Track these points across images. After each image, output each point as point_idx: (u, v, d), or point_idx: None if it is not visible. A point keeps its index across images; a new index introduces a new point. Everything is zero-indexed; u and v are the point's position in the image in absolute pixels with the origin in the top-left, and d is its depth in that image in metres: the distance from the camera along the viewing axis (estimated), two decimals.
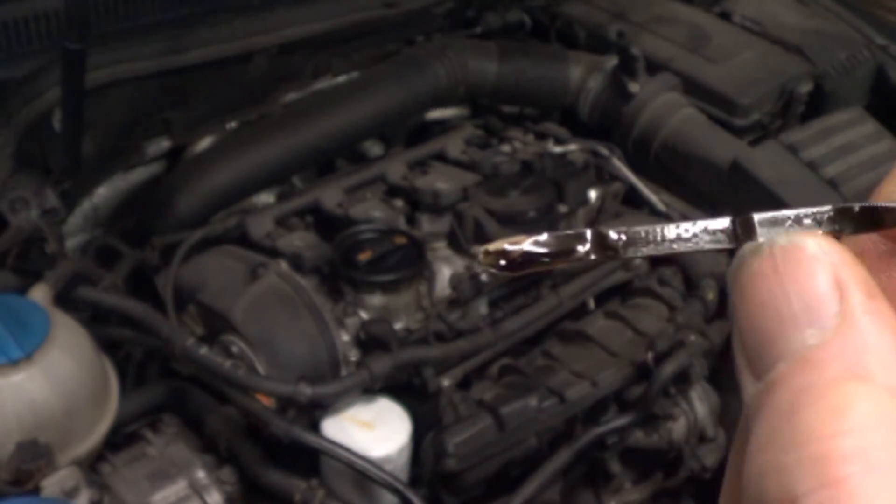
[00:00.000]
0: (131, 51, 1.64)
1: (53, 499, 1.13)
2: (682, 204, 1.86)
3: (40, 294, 1.27)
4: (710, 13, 2.23)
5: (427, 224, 1.64)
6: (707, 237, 0.48)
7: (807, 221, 0.47)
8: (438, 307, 1.49)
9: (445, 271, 1.58)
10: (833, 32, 2.21)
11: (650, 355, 1.50)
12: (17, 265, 1.40)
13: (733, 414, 1.61)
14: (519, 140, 1.87)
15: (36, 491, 1.13)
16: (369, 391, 1.37)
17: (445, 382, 1.43)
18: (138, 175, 1.78)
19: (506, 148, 1.85)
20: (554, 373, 1.49)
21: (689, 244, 0.48)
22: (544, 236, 0.49)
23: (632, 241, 0.48)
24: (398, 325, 1.47)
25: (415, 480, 1.38)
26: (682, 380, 1.51)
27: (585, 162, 1.81)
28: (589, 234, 0.48)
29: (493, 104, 2.02)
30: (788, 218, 0.47)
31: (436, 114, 2.00)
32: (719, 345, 1.65)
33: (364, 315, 1.45)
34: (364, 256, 1.48)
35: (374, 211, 1.60)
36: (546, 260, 0.49)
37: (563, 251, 0.49)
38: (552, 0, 2.24)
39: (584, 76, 1.98)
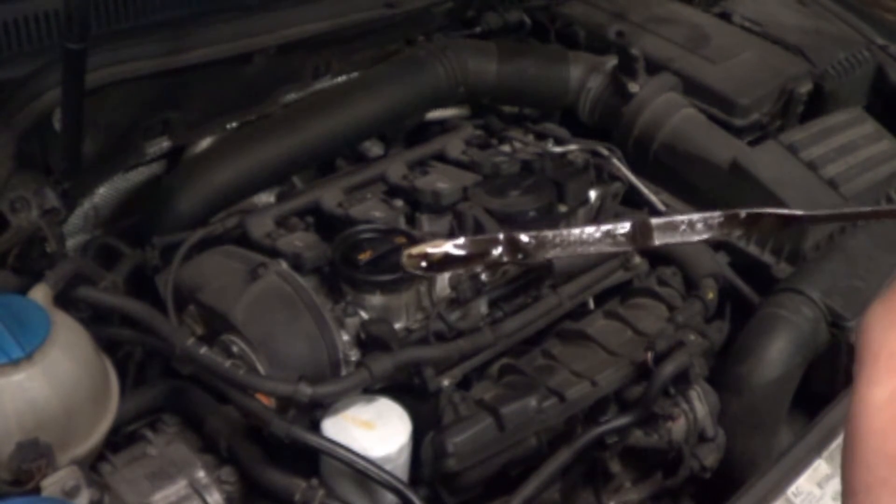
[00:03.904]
0: (131, 51, 1.63)
1: (53, 499, 1.13)
2: (682, 204, 1.87)
3: (40, 294, 1.27)
4: (710, 13, 2.23)
5: (427, 224, 1.64)
6: (609, 240, 0.50)
7: (699, 226, 0.49)
8: (438, 307, 1.49)
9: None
10: (833, 32, 2.21)
11: (650, 355, 1.50)
12: (17, 265, 1.40)
13: (733, 414, 1.61)
14: (519, 140, 1.87)
15: (36, 491, 1.13)
16: (369, 391, 1.37)
17: (445, 382, 1.43)
18: (138, 175, 1.78)
19: (506, 148, 1.85)
20: (554, 373, 1.49)
21: (593, 246, 0.49)
22: (462, 240, 0.52)
23: (541, 244, 0.50)
24: (398, 325, 1.47)
25: (415, 480, 1.38)
26: (682, 380, 1.51)
27: (585, 162, 1.81)
28: (502, 237, 0.50)
29: (493, 104, 2.02)
30: (683, 223, 0.49)
31: (436, 114, 2.00)
32: (719, 345, 1.65)
33: (364, 315, 1.45)
34: (364, 256, 1.48)
35: (374, 211, 1.60)
36: (464, 261, 0.52)
37: (479, 253, 0.51)
38: (552, 0, 2.24)
39: (584, 76, 1.98)
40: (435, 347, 1.43)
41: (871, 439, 0.45)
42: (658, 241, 0.49)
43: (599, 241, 0.49)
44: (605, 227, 0.49)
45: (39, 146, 1.55)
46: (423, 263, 0.51)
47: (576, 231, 0.49)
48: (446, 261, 0.51)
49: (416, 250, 0.51)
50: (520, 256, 0.50)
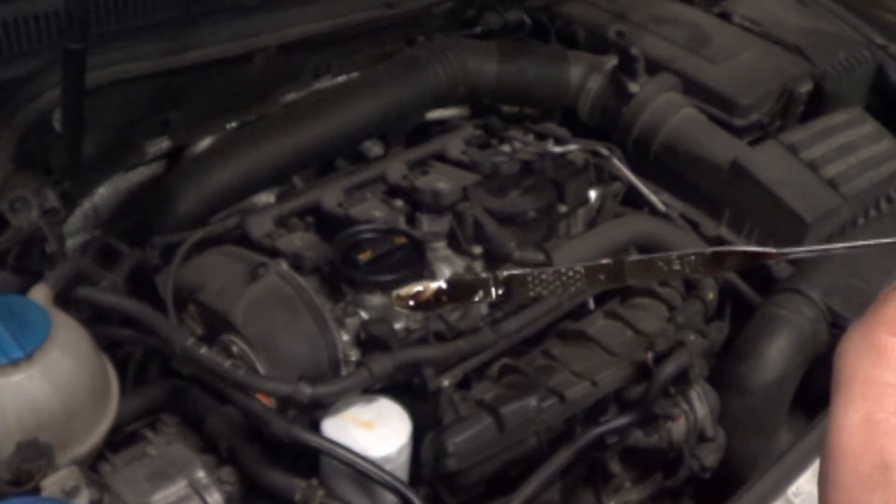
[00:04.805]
0: (131, 51, 1.63)
1: (53, 499, 1.13)
2: (682, 204, 1.87)
3: (40, 294, 1.27)
4: (710, 13, 2.23)
5: (427, 224, 1.64)
6: (589, 279, 0.51)
7: (676, 266, 0.50)
8: None
9: (445, 271, 1.58)
10: (833, 32, 2.21)
11: (650, 355, 1.50)
12: (17, 265, 1.40)
13: (733, 414, 1.61)
14: (519, 140, 1.87)
15: (36, 491, 1.13)
16: (369, 391, 1.37)
17: (445, 382, 1.43)
18: (138, 175, 1.78)
19: (506, 148, 1.85)
20: (554, 373, 1.49)
21: (574, 286, 0.51)
22: (450, 279, 0.53)
23: (522, 283, 0.51)
24: (398, 325, 1.47)
25: (415, 480, 1.38)
26: (682, 380, 1.51)
27: (585, 162, 1.81)
28: (488, 276, 0.51)
29: (493, 104, 2.02)
30: (659, 260, 0.50)
31: (436, 114, 1.99)
32: (719, 345, 1.65)
33: (364, 315, 1.45)
34: (364, 256, 1.48)
35: (374, 211, 1.60)
36: (452, 300, 0.53)
37: (466, 293, 0.52)
38: (552, 0, 2.24)
39: (584, 76, 1.98)
40: (435, 347, 1.43)
41: (846, 460, 0.46)
42: (633, 280, 0.52)
43: (580, 280, 0.51)
44: (584, 265, 0.51)
45: (39, 146, 1.55)
46: (412, 303, 0.53)
47: (559, 271, 0.52)
48: (435, 300, 0.54)
49: (404, 291, 0.53)
50: (501, 292, 0.53)
